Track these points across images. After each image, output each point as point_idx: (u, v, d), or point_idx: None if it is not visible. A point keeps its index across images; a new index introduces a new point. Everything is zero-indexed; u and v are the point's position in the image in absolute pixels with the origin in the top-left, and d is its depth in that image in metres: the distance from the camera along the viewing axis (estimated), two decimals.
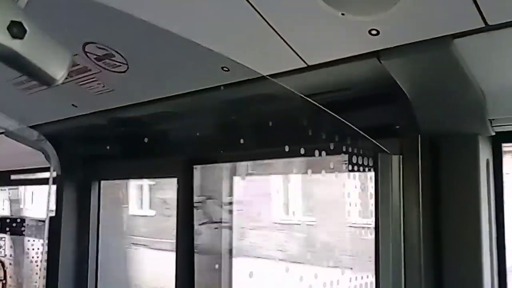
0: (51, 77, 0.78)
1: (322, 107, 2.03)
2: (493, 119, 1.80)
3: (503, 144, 1.97)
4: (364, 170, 1.91)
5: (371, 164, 1.92)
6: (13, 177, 5.21)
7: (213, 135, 2.91)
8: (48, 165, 4.19)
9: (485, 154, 1.88)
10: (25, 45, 0.69)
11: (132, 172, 3.65)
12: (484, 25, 1.44)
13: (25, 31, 0.68)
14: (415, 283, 1.89)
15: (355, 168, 1.87)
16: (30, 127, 3.60)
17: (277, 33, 1.71)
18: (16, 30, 0.67)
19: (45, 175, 4.68)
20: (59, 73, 0.83)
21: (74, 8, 1.90)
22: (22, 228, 4.32)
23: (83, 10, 1.90)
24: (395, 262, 1.91)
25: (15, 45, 0.67)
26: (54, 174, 3.88)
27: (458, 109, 1.77)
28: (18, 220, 4.37)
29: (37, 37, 0.73)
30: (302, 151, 2.05)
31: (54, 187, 3.98)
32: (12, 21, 0.66)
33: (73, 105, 2.93)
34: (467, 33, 1.48)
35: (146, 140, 2.81)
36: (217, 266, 3.28)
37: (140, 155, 3.30)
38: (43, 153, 4.09)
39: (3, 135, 3.85)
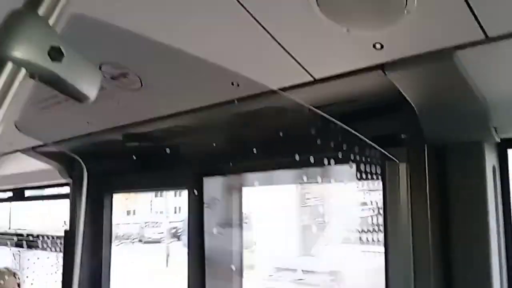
0: (85, 95, 0.85)
1: (330, 117, 2.09)
2: (497, 127, 1.84)
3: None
4: (372, 178, 1.96)
5: (378, 172, 1.98)
6: (27, 193, 5.31)
7: (223, 147, 2.98)
8: (62, 181, 4.28)
9: (491, 161, 1.92)
10: (63, 67, 0.76)
11: (143, 184, 3.73)
12: (484, 37, 1.50)
13: (62, 54, 0.75)
14: None
15: (363, 176, 1.93)
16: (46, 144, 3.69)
17: (284, 49, 1.79)
18: (55, 54, 0.74)
19: (58, 190, 4.78)
20: (92, 91, 0.91)
21: (90, 30, 1.98)
22: (38, 243, 4.40)
23: (98, 32, 1.98)
24: (405, 270, 1.95)
25: (55, 68, 0.74)
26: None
27: (463, 118, 1.82)
28: (35, 235, 4.44)
29: (72, 60, 0.80)
30: (312, 160, 2.11)
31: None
32: (52, 46, 0.73)
33: (87, 122, 3.02)
34: (468, 45, 1.54)
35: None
36: None
37: (151, 168, 3.38)
38: (57, 169, 4.19)
39: (18, 152, 3.95)
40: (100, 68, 2.26)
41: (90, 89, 0.90)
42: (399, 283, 1.93)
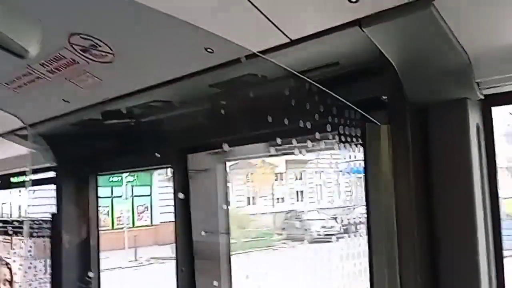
0: (24, 49, 0.79)
1: (311, 81, 2.02)
2: (480, 82, 1.78)
3: None
4: (352, 141, 1.90)
5: (359, 135, 1.92)
6: (13, 179, 5.23)
7: (205, 122, 2.91)
8: (49, 165, 4.20)
9: (474, 119, 1.86)
10: None
11: (127, 164, 3.67)
12: None
13: None
14: (409, 253, 1.88)
15: (343, 139, 1.87)
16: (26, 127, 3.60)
17: (257, 9, 1.70)
18: None
19: (47, 175, 4.69)
20: (32, 46, 0.84)
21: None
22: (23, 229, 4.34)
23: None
24: (388, 234, 1.90)
25: None
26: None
27: (444, 73, 1.75)
28: (20, 221, 4.37)
29: (8, 10, 0.73)
30: (295, 128, 2.04)
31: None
32: None
33: (64, 100, 2.93)
34: None
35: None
36: None
37: (134, 147, 3.31)
38: (42, 153, 4.10)
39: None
40: (69, 40, 2.17)
41: (30, 43, 0.84)
42: (383, 246, 1.89)
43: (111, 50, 2.22)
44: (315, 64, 2.12)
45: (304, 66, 2.12)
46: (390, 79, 1.89)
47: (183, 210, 3.13)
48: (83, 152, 3.79)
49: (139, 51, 2.20)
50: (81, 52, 2.29)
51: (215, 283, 3.01)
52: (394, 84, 1.89)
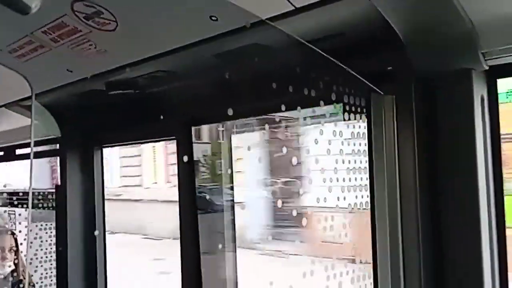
0: (26, 4, 0.79)
1: (318, 50, 2.00)
2: (485, 52, 1.76)
3: None
4: (357, 112, 1.89)
5: (363, 105, 1.91)
6: (18, 151, 5.24)
7: (210, 94, 2.90)
8: (54, 137, 4.21)
9: (479, 90, 1.85)
10: None
11: (131, 136, 3.68)
12: None
13: None
14: (412, 225, 1.89)
15: (347, 108, 1.86)
16: (29, 97, 3.59)
17: None
18: None
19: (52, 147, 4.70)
20: (33, 1, 0.84)
21: None
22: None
23: None
24: (391, 205, 1.91)
25: None
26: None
27: (449, 43, 1.74)
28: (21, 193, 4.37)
29: None
30: (300, 98, 2.03)
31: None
32: None
33: (68, 70, 2.92)
34: None
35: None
36: None
37: (138, 119, 3.31)
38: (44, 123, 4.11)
39: (3, 108, 3.87)
40: (71, 7, 2.16)
41: None
42: (385, 218, 1.90)
43: (114, 18, 2.20)
44: (321, 34, 2.10)
45: (310, 36, 2.10)
46: (396, 49, 1.88)
47: None
48: (87, 124, 3.80)
49: (142, 19, 2.18)
50: (84, 20, 2.27)
51: None
52: (400, 54, 1.88)
